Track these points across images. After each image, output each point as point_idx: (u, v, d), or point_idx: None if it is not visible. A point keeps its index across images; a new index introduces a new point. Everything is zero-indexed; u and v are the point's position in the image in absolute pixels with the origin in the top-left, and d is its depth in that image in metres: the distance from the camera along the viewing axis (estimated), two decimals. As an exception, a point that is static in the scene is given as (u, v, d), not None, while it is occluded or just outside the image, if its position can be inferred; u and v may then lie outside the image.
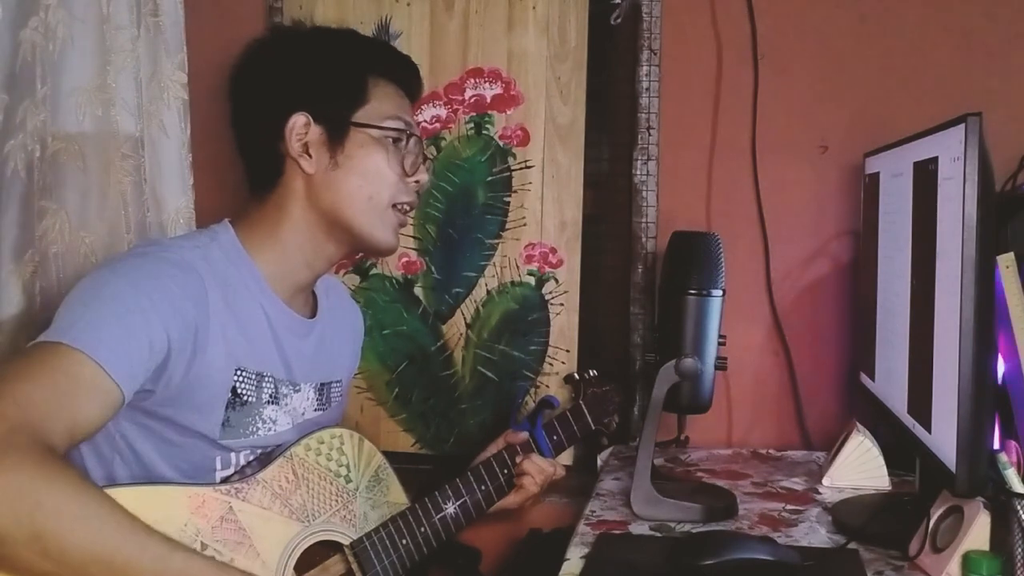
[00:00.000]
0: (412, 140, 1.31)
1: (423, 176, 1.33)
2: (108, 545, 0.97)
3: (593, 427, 1.55)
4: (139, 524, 1.00)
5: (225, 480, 1.23)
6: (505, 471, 1.46)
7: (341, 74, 1.30)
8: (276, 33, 1.44)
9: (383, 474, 1.36)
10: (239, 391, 1.23)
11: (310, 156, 1.27)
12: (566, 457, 1.63)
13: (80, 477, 1.00)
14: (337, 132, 1.27)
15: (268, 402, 1.27)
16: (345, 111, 1.28)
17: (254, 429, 1.26)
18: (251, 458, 1.27)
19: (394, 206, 1.30)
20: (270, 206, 1.30)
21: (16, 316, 1.36)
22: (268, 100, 1.29)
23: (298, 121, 1.27)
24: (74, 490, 0.97)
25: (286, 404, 1.30)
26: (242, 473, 1.25)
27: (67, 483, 0.97)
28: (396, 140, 1.30)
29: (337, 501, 1.29)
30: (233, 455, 1.25)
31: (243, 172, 1.34)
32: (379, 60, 1.33)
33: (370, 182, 1.28)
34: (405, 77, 1.36)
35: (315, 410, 1.36)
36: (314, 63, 1.30)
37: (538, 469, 1.45)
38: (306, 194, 1.28)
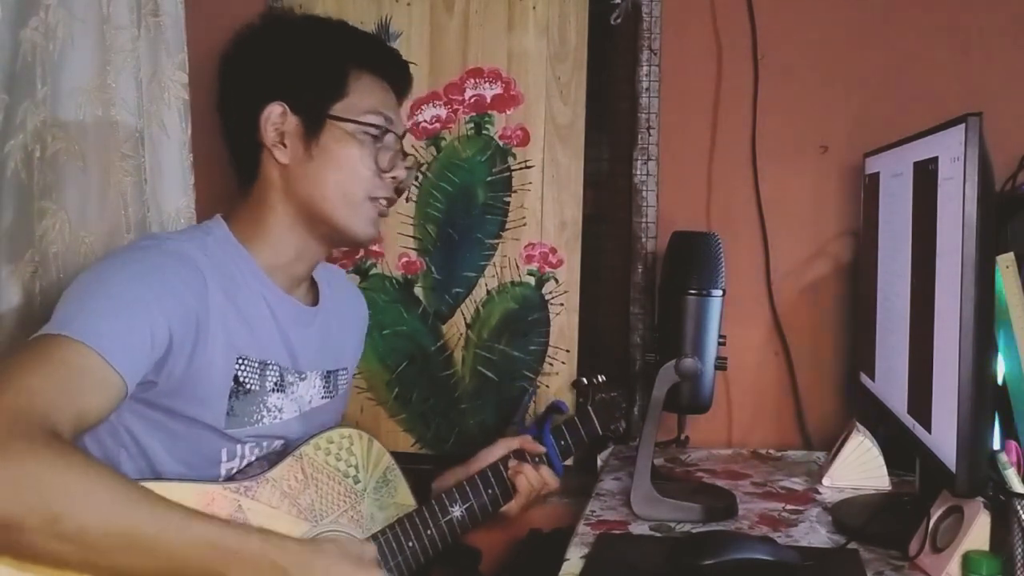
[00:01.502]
0: (389, 136, 1.30)
1: (400, 172, 1.32)
2: (126, 518, 0.96)
3: (601, 433, 1.54)
4: (152, 495, 0.99)
5: (232, 476, 1.23)
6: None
7: (321, 65, 1.29)
8: (264, 21, 1.43)
9: (391, 475, 1.36)
10: (241, 379, 1.23)
11: (285, 146, 1.27)
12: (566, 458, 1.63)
13: (87, 456, 1.00)
14: (313, 124, 1.27)
15: (273, 390, 1.27)
16: (322, 103, 1.27)
17: (259, 417, 1.26)
18: (256, 450, 1.27)
19: (371, 199, 1.30)
20: (254, 199, 1.30)
21: (16, 316, 1.36)
22: (247, 87, 1.29)
23: (274, 110, 1.26)
24: (82, 469, 0.96)
25: (292, 392, 1.30)
26: (251, 471, 1.25)
27: (75, 463, 0.96)
28: (374, 136, 1.29)
29: (345, 501, 1.29)
30: (239, 446, 1.25)
31: (228, 159, 1.34)
32: (363, 53, 1.32)
33: (345, 176, 1.27)
34: (392, 71, 1.35)
35: (322, 398, 1.36)
36: (295, 52, 1.29)
37: (535, 476, 1.43)
38: (283, 185, 1.28)
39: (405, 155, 1.35)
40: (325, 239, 1.32)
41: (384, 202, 1.31)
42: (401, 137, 1.34)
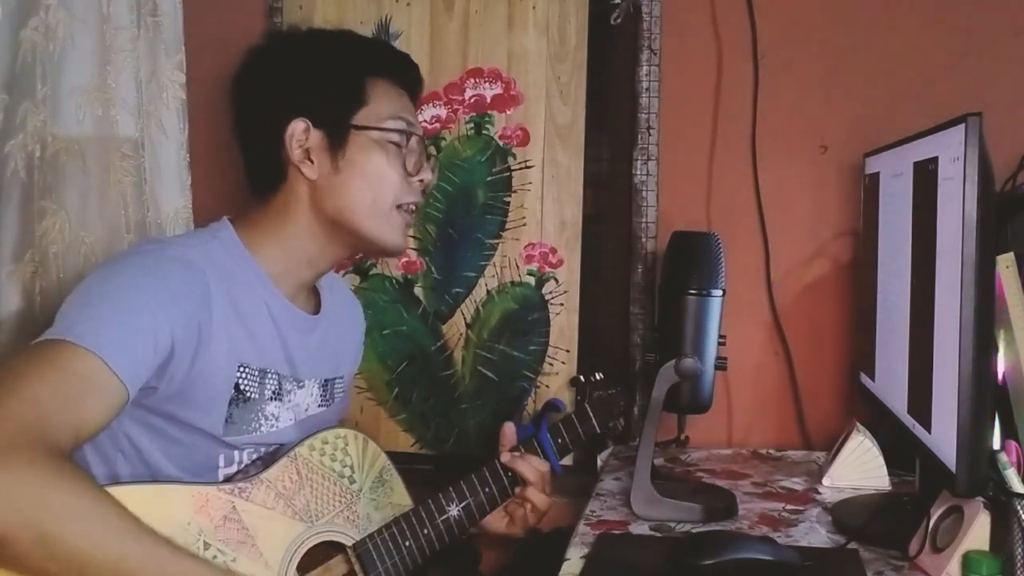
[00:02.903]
0: (413, 139, 1.31)
1: (427, 175, 1.33)
2: (114, 549, 0.97)
3: (598, 431, 1.54)
4: (145, 529, 1.00)
5: (228, 479, 1.23)
6: (509, 474, 1.45)
7: (338, 77, 1.29)
8: (272, 39, 1.43)
9: (387, 475, 1.36)
10: (242, 387, 1.23)
11: (312, 162, 1.27)
12: (566, 458, 1.63)
13: (87, 479, 1.00)
14: (337, 136, 1.27)
15: (271, 398, 1.27)
16: (344, 114, 1.27)
17: (257, 426, 1.26)
18: (254, 456, 1.27)
19: (399, 207, 1.30)
20: (273, 209, 1.29)
21: (16, 317, 1.37)
22: (267, 107, 1.29)
23: (297, 127, 1.26)
24: (81, 493, 0.97)
25: (289, 400, 1.30)
26: (246, 472, 1.25)
27: (74, 485, 0.96)
28: (397, 141, 1.29)
29: (340, 502, 1.29)
30: (236, 452, 1.25)
31: (244, 174, 1.34)
32: (376, 60, 1.33)
33: (373, 185, 1.28)
34: (404, 75, 1.35)
35: (319, 406, 1.36)
36: (310, 68, 1.30)
37: (538, 461, 1.43)
38: (310, 199, 1.28)
39: (429, 156, 1.35)
40: (350, 250, 1.33)
41: (412, 207, 1.32)
42: (422, 138, 1.34)
